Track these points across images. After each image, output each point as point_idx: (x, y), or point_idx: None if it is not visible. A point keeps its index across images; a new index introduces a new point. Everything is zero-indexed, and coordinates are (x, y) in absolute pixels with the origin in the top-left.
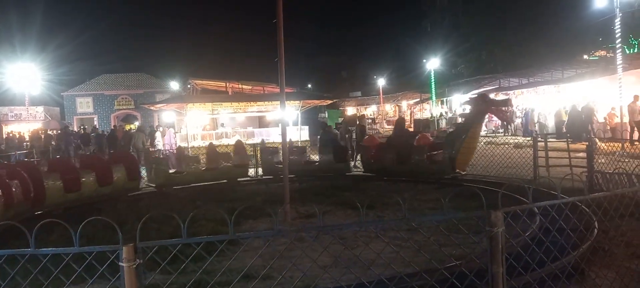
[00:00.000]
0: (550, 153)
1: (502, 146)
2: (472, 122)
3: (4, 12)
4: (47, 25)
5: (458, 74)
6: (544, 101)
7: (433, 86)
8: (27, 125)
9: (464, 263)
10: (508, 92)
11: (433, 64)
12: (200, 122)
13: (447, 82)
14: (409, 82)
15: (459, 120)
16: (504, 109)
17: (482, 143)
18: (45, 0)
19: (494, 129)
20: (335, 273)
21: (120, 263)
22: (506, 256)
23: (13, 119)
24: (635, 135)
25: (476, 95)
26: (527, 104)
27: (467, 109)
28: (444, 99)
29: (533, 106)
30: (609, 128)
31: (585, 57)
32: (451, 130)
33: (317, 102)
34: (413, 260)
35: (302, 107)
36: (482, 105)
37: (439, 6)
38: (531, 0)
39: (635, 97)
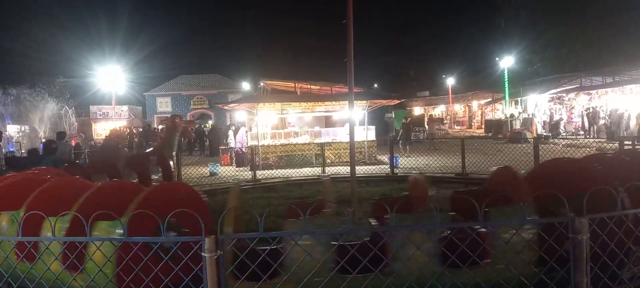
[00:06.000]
0: None
1: (582, 149)
2: None
3: (94, 20)
4: (130, 29)
5: (534, 73)
6: (633, 102)
7: (506, 85)
8: (113, 123)
9: (543, 270)
10: (590, 91)
11: (507, 62)
12: (269, 121)
13: (521, 81)
14: (480, 81)
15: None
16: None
17: (560, 146)
18: (128, 6)
19: (574, 130)
20: None
21: (203, 254)
22: (591, 265)
23: (101, 117)
24: None
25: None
26: (612, 104)
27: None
28: (519, 99)
29: (622, 107)
30: None
31: None
32: None
33: (384, 102)
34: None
35: (369, 107)
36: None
37: (514, 1)
38: None
39: None
